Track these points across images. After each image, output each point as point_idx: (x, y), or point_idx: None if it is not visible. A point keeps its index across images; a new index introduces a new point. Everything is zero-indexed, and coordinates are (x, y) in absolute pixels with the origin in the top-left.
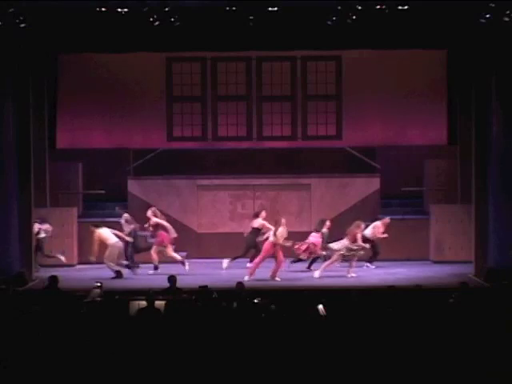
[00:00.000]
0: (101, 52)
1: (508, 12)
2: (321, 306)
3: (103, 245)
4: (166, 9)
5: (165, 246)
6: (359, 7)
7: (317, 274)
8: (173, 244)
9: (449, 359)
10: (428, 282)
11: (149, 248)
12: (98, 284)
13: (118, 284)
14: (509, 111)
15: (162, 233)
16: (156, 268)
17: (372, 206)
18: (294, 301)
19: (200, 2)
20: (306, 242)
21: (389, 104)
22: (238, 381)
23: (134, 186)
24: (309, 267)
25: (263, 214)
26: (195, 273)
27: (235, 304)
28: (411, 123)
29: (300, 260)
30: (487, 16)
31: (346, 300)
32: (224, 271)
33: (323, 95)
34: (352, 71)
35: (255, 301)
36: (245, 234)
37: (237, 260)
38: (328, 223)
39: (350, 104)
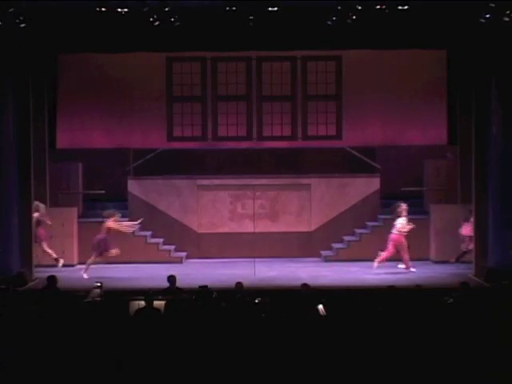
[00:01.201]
0: (101, 52)
1: (508, 12)
2: (321, 306)
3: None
4: (166, 9)
5: (41, 242)
6: (359, 7)
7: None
8: (49, 240)
9: (449, 359)
10: (428, 282)
11: None
12: (98, 284)
13: (118, 284)
14: (509, 111)
15: (40, 228)
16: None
17: (372, 206)
18: (294, 301)
19: (200, 2)
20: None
21: (389, 104)
22: (237, 381)
23: (133, 186)
24: (457, 260)
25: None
26: (195, 273)
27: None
28: (411, 123)
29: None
30: (487, 16)
31: (345, 300)
32: (224, 271)
33: (323, 95)
34: (352, 71)
35: (255, 301)
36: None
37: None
38: None
39: (350, 104)
